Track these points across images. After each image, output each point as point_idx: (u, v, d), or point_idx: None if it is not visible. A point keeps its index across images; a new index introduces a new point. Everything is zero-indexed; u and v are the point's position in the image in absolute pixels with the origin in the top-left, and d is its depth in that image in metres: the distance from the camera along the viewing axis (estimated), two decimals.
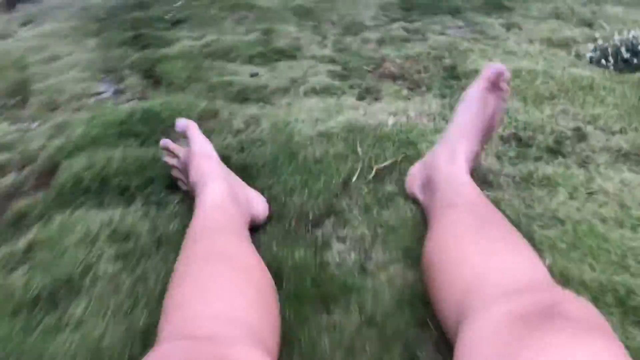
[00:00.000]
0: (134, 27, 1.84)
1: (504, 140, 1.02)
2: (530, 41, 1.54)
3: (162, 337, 0.51)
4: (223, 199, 0.73)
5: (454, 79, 1.31)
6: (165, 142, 0.90)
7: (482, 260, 0.55)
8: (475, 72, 1.31)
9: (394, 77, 1.36)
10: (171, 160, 0.90)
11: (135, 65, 1.56)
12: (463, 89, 1.26)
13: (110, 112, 1.21)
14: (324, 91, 1.30)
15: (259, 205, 0.82)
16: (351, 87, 1.32)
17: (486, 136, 0.83)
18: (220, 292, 0.55)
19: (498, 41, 1.56)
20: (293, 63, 1.50)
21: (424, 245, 0.65)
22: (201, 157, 0.81)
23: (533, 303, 0.46)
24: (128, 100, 1.37)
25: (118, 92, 1.43)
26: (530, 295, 0.48)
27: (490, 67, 0.78)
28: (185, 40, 1.70)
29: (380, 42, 1.63)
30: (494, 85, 0.78)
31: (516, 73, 1.26)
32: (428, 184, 0.79)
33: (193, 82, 1.41)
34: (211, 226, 0.67)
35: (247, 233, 0.72)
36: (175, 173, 0.90)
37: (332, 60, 1.50)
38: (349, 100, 1.24)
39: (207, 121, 1.18)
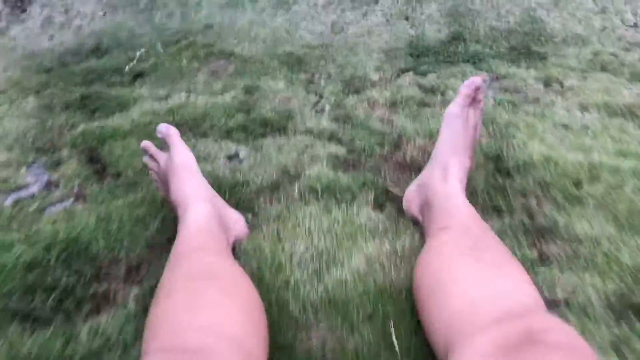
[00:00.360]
0: (85, 82, 1.42)
1: (613, 308, 0.63)
2: (583, 107, 1.15)
3: (149, 351, 0.49)
4: (208, 221, 0.69)
5: (503, 175, 0.92)
6: (145, 144, 0.83)
7: (470, 286, 0.53)
8: (532, 165, 0.92)
9: (419, 170, 0.96)
10: (151, 164, 0.83)
11: (78, 141, 1.14)
12: (521, 193, 0.87)
13: (21, 241, 0.80)
14: (327, 193, 0.90)
15: (239, 226, 0.78)
16: (364, 185, 0.92)
17: (472, 148, 0.80)
18: (207, 306, 0.53)
19: (541, 106, 1.17)
20: (283, 140, 1.10)
21: (416, 267, 0.62)
22: (183, 171, 0.75)
23: (517, 330, 0.44)
24: (59, 201, 0.96)
25: (49, 186, 1.02)
26: (515, 323, 0.46)
27: (469, 84, 0.77)
28: (145, 102, 1.29)
29: (391, 105, 1.23)
30: (473, 99, 0.77)
31: (592, 172, 0.87)
32: (426, 206, 0.75)
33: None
34: (196, 246, 0.64)
35: (230, 253, 0.68)
36: (153, 176, 0.84)
37: (334, 137, 1.10)
38: (364, 212, 0.84)
39: (161, 253, 0.77)
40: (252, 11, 1.69)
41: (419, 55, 1.50)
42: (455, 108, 0.78)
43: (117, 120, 1.21)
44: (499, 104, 1.19)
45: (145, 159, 0.84)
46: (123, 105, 1.28)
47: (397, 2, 1.68)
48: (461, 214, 0.66)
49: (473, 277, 0.53)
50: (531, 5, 1.64)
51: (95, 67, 1.49)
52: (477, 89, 0.76)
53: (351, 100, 1.27)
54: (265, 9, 1.69)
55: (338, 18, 1.65)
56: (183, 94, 1.32)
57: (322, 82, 1.38)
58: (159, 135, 0.80)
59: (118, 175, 1.01)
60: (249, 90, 1.33)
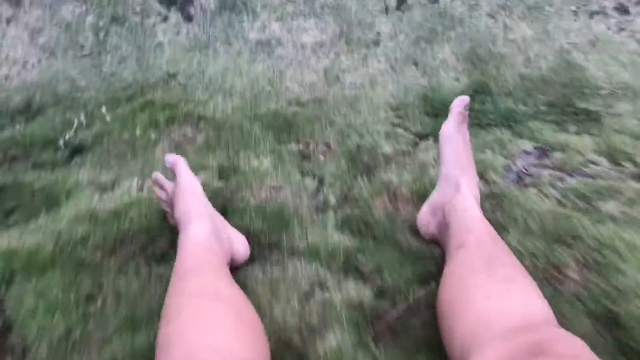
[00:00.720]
0: (5, 160, 1.02)
1: None
2: None
3: None
4: (208, 237, 0.68)
5: (629, 353, 0.56)
6: (156, 175, 0.82)
7: (483, 302, 0.52)
8: None
9: None
10: (160, 194, 0.81)
11: None
12: None
13: None
14: None
15: (240, 246, 0.75)
16: None
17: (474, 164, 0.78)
18: (216, 326, 0.52)
19: (627, 204, 0.82)
20: (276, 271, 0.72)
21: (439, 288, 0.61)
22: (187, 192, 0.75)
23: (525, 343, 0.44)
24: None
25: None
26: (525, 335, 0.45)
27: (460, 102, 0.77)
28: (82, 196, 0.89)
29: (420, 198, 0.87)
30: (464, 116, 0.77)
31: None
32: (443, 223, 0.71)
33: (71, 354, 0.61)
34: (199, 264, 0.63)
35: (229, 271, 0.65)
36: (163, 206, 0.81)
37: (351, 264, 0.73)
38: None
39: None
40: (225, 55, 1.30)
41: (437, 114, 1.13)
42: (451, 126, 0.76)
43: (38, 232, 0.81)
44: (565, 198, 0.84)
45: (156, 190, 0.82)
46: (51, 202, 0.89)
47: (402, 44, 1.32)
48: (477, 230, 0.64)
49: (486, 294, 0.53)
50: (564, 47, 1.30)
51: (20, 138, 1.08)
52: (467, 105, 0.77)
53: (363, 187, 0.90)
54: (242, 52, 1.31)
55: (332, 64, 1.28)
56: (135, 182, 0.93)
57: (320, 156, 1.00)
58: (168, 165, 0.79)
59: (24, 351, 0.62)
60: (224, 174, 0.94)
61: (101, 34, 1.33)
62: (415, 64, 1.28)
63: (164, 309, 0.56)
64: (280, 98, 1.19)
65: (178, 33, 1.34)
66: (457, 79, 1.24)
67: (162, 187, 0.81)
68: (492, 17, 1.36)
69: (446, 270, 0.62)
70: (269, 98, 1.19)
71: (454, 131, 0.75)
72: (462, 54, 1.29)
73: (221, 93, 1.20)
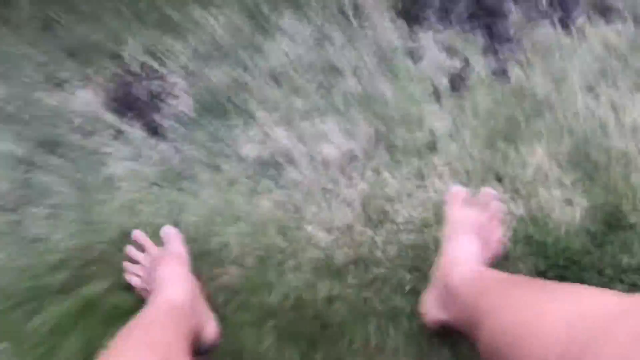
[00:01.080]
0: None
1: None
2: None
3: None
4: (183, 303, 0.62)
5: None
6: (138, 234, 0.73)
7: (550, 307, 0.41)
8: None
9: None
10: (136, 254, 0.72)
11: None
12: None
13: None
14: None
15: (209, 326, 0.66)
16: None
17: (486, 241, 0.67)
18: None
19: None
20: None
21: (479, 346, 0.49)
22: (175, 260, 0.68)
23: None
24: None
25: None
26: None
27: (451, 191, 0.75)
28: None
29: None
30: (464, 202, 0.72)
31: None
32: (448, 300, 0.62)
33: None
34: (164, 321, 0.57)
35: (189, 343, 0.58)
36: (130, 268, 0.71)
37: None
38: None
39: None
40: (210, 187, 0.82)
41: (552, 266, 0.65)
42: (448, 212, 0.72)
43: None
44: None
45: (130, 251, 0.72)
46: None
47: (471, 146, 0.84)
48: (488, 284, 0.57)
49: (549, 301, 0.42)
50: None
51: None
52: (459, 194, 0.73)
53: None
54: (235, 180, 0.82)
55: (372, 189, 0.80)
56: None
57: None
58: (163, 235, 0.72)
59: None
60: None
61: (20, 170, 0.84)
62: (498, 178, 0.80)
63: (107, 347, 0.50)
64: (301, 262, 0.71)
65: (138, 156, 0.86)
66: (569, 201, 0.76)
67: (141, 248, 0.72)
68: (591, 91, 0.89)
69: (480, 326, 0.49)
70: (284, 264, 0.71)
71: (452, 215, 0.71)
72: (564, 156, 0.82)
73: (206, 262, 0.71)
